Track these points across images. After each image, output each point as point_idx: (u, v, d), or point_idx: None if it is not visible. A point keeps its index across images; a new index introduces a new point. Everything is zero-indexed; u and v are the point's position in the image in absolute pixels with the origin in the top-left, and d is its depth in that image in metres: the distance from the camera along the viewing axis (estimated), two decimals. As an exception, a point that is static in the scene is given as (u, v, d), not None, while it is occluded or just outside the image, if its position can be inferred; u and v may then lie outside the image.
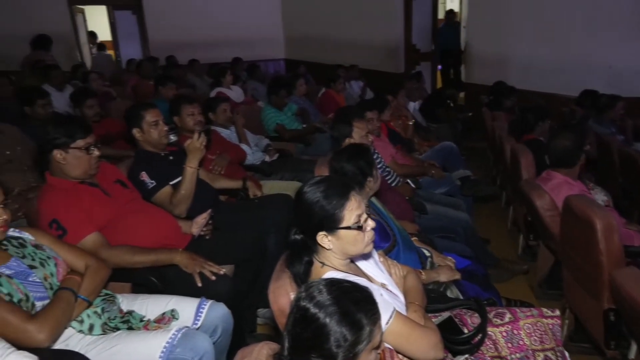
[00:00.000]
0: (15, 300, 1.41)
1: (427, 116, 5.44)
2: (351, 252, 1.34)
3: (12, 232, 1.58)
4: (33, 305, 1.45)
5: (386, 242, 1.83)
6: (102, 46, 9.63)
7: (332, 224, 1.28)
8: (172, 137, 2.49)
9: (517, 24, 5.72)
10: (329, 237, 1.30)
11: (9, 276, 1.44)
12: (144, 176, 2.28)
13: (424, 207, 2.75)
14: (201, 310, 1.69)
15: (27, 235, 1.63)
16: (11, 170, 2.64)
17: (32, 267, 1.52)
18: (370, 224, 1.32)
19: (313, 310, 0.97)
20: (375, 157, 2.56)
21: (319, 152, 3.87)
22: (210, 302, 1.73)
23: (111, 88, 5.52)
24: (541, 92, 5.41)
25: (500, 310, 1.64)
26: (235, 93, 5.21)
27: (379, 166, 2.45)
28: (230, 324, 1.76)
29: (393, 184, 2.87)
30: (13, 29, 6.47)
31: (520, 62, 5.80)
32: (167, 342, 1.50)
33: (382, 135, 3.42)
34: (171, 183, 2.32)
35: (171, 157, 2.45)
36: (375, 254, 1.57)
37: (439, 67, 7.44)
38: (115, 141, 3.44)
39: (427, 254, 2.01)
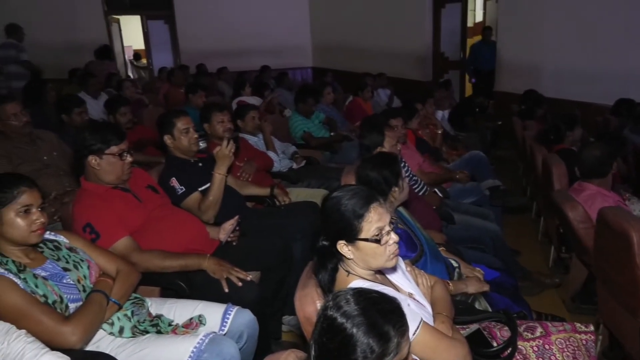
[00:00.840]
0: (50, 301, 1.45)
1: (456, 125, 5.37)
2: (372, 264, 1.32)
3: (48, 235, 1.64)
4: (67, 307, 1.49)
5: (413, 252, 1.81)
6: (137, 56, 9.93)
7: (350, 234, 1.28)
8: (201, 144, 2.54)
9: (551, 31, 5.60)
10: (349, 247, 1.30)
11: (44, 278, 1.49)
12: (174, 182, 2.33)
13: (452, 217, 2.71)
14: (228, 316, 1.71)
15: (62, 238, 1.68)
16: (48, 174, 2.72)
17: (66, 269, 1.57)
18: (394, 237, 1.30)
19: (340, 320, 0.96)
20: (402, 165, 2.54)
21: (345, 160, 3.87)
22: (236, 308, 1.74)
23: (144, 95, 5.67)
24: (575, 101, 5.27)
25: (531, 324, 1.60)
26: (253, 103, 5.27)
27: (405, 175, 2.43)
28: (256, 331, 1.77)
29: (420, 193, 2.85)
30: (52, 39, 6.74)
31: (553, 70, 5.67)
32: (195, 347, 1.52)
33: (410, 143, 3.40)
34: (200, 189, 2.36)
35: (200, 164, 2.49)
36: (402, 263, 1.56)
37: (473, 80, 7.20)
38: (146, 147, 3.52)
39: (455, 264, 1.98)
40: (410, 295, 1.44)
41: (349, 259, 1.31)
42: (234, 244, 2.23)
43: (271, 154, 3.45)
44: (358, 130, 4.66)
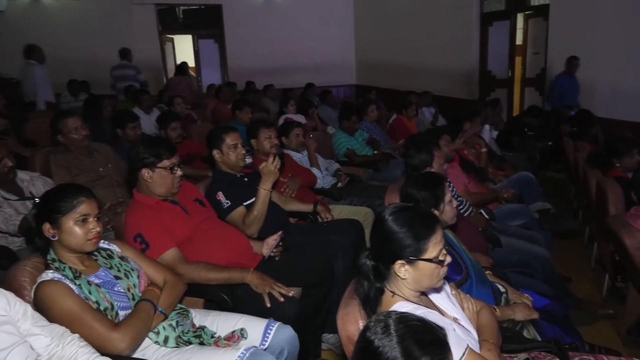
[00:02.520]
0: (101, 308, 1.51)
1: (503, 144, 5.23)
2: (425, 285, 1.31)
3: (101, 244, 1.71)
4: (117, 314, 1.55)
5: (458, 275, 1.77)
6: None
7: (413, 254, 1.27)
8: (247, 160, 2.59)
9: (604, 48, 5.40)
10: (406, 267, 1.28)
11: (97, 285, 1.56)
12: (220, 196, 2.39)
13: (498, 240, 2.63)
14: (269, 331, 1.71)
15: (114, 247, 1.75)
16: (103, 185, 2.86)
17: (117, 277, 1.63)
18: (448, 259, 1.30)
19: (377, 344, 0.96)
20: (447, 185, 2.50)
21: (388, 178, 3.84)
22: (278, 323, 1.75)
23: (193, 111, 5.87)
24: (630, 122, 5.03)
25: (584, 357, 1.52)
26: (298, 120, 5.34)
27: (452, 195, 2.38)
28: (296, 347, 1.76)
29: (466, 214, 2.78)
30: (110, 57, 7.12)
31: (606, 89, 5.45)
32: (236, 361, 1.53)
33: (455, 163, 3.34)
34: (245, 204, 2.41)
35: (246, 179, 2.54)
36: (448, 286, 1.52)
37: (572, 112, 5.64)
38: (194, 161, 3.63)
39: (502, 289, 1.92)
40: (455, 320, 1.40)
41: (402, 279, 1.30)
42: (277, 259, 2.24)
43: (315, 170, 3.47)
44: (402, 149, 4.65)
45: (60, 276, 1.50)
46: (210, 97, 7.22)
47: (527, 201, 3.43)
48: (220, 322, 1.77)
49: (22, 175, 2.55)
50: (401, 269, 1.29)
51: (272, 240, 2.21)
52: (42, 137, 4.11)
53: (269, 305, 1.89)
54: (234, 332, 1.70)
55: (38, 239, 1.58)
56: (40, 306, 1.45)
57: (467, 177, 3.25)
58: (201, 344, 1.66)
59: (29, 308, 1.38)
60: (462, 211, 2.76)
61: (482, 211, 2.93)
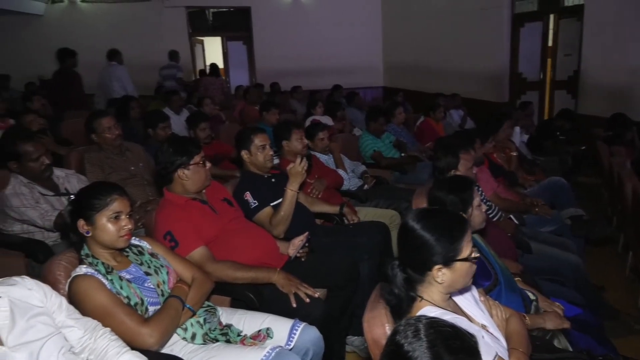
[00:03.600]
0: (132, 303, 1.55)
1: (534, 148, 5.12)
2: (459, 285, 1.32)
3: (133, 241, 1.74)
4: (147, 309, 1.58)
5: (487, 281, 1.74)
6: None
7: (451, 256, 1.27)
8: (275, 160, 2.61)
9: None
10: (443, 270, 1.27)
11: (128, 280, 1.60)
12: (248, 196, 2.41)
13: (529, 246, 2.57)
14: (294, 331, 1.72)
15: (145, 244, 1.79)
16: (134, 184, 2.92)
17: (147, 273, 1.67)
18: (477, 254, 1.31)
19: (407, 348, 0.95)
20: (476, 189, 2.46)
21: (415, 181, 3.82)
22: (303, 324, 1.75)
23: (221, 112, 5.95)
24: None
25: (618, 369, 1.47)
26: (325, 122, 5.34)
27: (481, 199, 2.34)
28: (322, 349, 1.76)
29: (494, 219, 2.73)
30: (141, 59, 7.30)
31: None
32: (262, 360, 1.55)
33: (484, 167, 3.28)
34: (272, 204, 2.43)
35: (273, 180, 2.56)
36: (475, 292, 1.50)
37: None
38: (222, 161, 3.67)
39: (532, 297, 1.87)
40: (483, 327, 1.38)
41: (439, 283, 1.29)
42: (303, 259, 2.25)
43: (341, 172, 3.47)
44: (429, 151, 4.60)
45: (93, 271, 1.54)
46: (238, 98, 7.31)
47: (559, 207, 3.34)
48: (247, 321, 1.79)
49: (58, 172, 2.63)
50: (439, 273, 1.28)
51: (299, 241, 2.22)
52: (77, 136, 4.24)
53: (294, 305, 1.90)
54: (260, 331, 1.72)
55: (73, 234, 1.63)
56: (74, 300, 1.49)
57: (496, 181, 3.19)
58: (228, 341, 1.68)
59: (63, 301, 1.43)
60: (491, 216, 2.71)
61: (511, 216, 2.87)
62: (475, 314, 1.41)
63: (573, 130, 5.38)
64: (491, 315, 1.46)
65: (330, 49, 9.39)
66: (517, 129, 4.89)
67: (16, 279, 1.35)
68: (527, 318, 1.67)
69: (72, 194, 1.72)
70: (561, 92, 6.89)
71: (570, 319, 1.82)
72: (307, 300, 1.90)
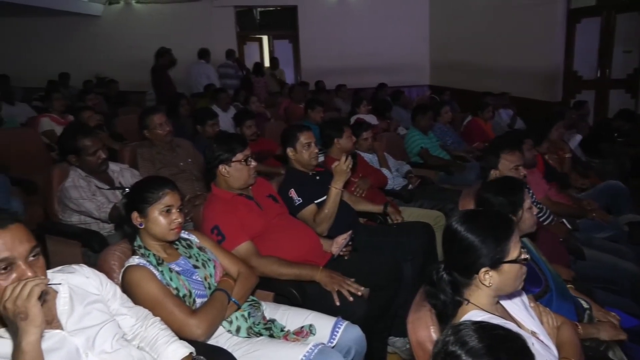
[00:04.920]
0: (180, 294, 1.60)
1: (589, 150, 4.88)
2: (509, 288, 1.28)
3: (182, 234, 1.80)
4: (194, 301, 1.63)
5: (537, 287, 1.68)
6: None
7: (497, 258, 1.24)
8: (319, 158, 2.62)
9: None
10: (491, 273, 1.24)
11: (177, 272, 1.65)
12: (293, 193, 2.43)
13: (582, 252, 2.46)
14: (337, 329, 1.72)
15: (193, 238, 1.84)
16: (183, 179, 3.01)
17: (195, 266, 1.72)
18: (527, 256, 1.27)
19: (464, 357, 0.93)
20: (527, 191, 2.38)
21: (461, 182, 3.73)
22: (346, 322, 1.75)
23: (267, 110, 6.03)
24: None
25: (680, 386, 1.38)
26: (369, 121, 5.30)
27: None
28: (364, 348, 1.76)
29: (545, 223, 2.63)
30: (192, 57, 7.50)
31: None
32: (304, 356, 1.56)
33: (535, 169, 3.16)
34: (316, 202, 2.44)
35: (318, 177, 2.57)
36: (525, 297, 1.45)
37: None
38: (268, 158, 3.73)
39: (586, 305, 1.79)
40: (533, 333, 1.33)
41: (487, 286, 1.25)
42: (346, 258, 2.25)
43: (385, 171, 3.45)
44: (476, 152, 4.48)
45: (145, 262, 1.60)
46: (283, 96, 7.38)
47: (616, 212, 3.18)
48: (290, 317, 1.81)
49: (113, 167, 2.75)
50: (486, 276, 1.24)
51: (342, 239, 2.22)
52: (130, 132, 4.42)
53: (338, 303, 1.89)
54: (302, 327, 1.73)
55: (127, 226, 1.70)
56: (127, 289, 1.56)
57: (548, 184, 3.07)
58: (271, 336, 1.71)
59: (118, 289, 1.49)
60: (541, 219, 2.61)
61: (563, 220, 2.76)
62: (525, 319, 1.37)
63: (632, 131, 5.09)
64: (541, 322, 1.41)
65: (376, 47, 9.31)
66: (578, 136, 4.68)
67: (75, 267, 1.42)
68: (579, 327, 1.60)
69: (126, 188, 1.79)
70: (619, 91, 6.54)
71: (627, 330, 1.74)
72: (351, 299, 1.90)
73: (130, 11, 9.31)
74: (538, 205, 2.69)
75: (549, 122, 3.71)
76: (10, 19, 9.00)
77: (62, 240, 2.51)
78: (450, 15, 9.06)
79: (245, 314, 1.73)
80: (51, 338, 1.23)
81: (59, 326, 1.27)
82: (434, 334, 1.31)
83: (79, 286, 1.36)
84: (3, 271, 1.12)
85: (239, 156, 2.11)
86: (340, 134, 2.95)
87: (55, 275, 1.32)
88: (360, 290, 1.94)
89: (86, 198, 2.50)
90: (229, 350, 1.61)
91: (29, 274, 1.13)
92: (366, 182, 2.98)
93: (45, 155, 4.00)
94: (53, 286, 1.28)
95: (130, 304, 1.51)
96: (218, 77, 7.27)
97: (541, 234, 2.25)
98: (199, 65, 7.25)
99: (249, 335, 1.70)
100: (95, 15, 9.30)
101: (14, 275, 1.13)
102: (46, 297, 1.23)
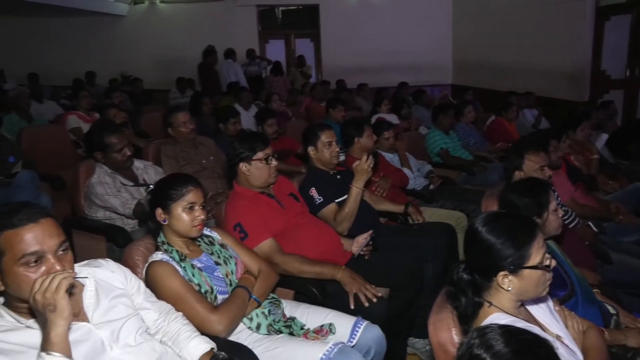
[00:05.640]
0: (202, 290, 1.62)
1: (616, 151, 4.75)
2: (530, 294, 1.24)
3: (204, 231, 1.82)
4: (216, 297, 1.64)
5: (562, 290, 1.64)
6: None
7: (517, 263, 1.21)
8: (340, 157, 2.62)
9: None
10: (510, 277, 1.22)
11: (199, 269, 1.67)
12: (313, 192, 2.44)
13: (608, 256, 2.40)
14: (357, 328, 1.72)
15: (215, 235, 1.86)
16: (205, 176, 3.04)
17: (217, 263, 1.74)
18: (553, 262, 1.23)
19: None
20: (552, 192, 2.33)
21: (484, 182, 3.67)
22: (366, 322, 1.75)
23: (288, 108, 6.05)
24: None
25: None
26: (390, 120, 5.27)
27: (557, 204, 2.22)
28: (384, 348, 1.75)
29: (571, 225, 2.57)
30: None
31: None
32: (324, 355, 1.55)
33: (560, 170, 3.10)
34: (337, 201, 2.44)
35: (339, 176, 2.57)
36: (550, 301, 1.42)
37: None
38: (289, 157, 3.74)
39: (613, 311, 1.75)
40: (558, 337, 1.30)
41: (507, 290, 1.23)
42: (366, 257, 2.25)
43: (406, 171, 3.42)
44: (500, 152, 4.41)
45: (168, 258, 1.63)
46: (304, 95, 7.40)
47: (645, 215, 3.09)
48: (310, 315, 1.81)
49: (137, 164, 2.80)
50: (505, 280, 1.22)
51: (363, 238, 2.21)
52: (155, 130, 4.49)
53: (352, 307, 1.89)
54: (322, 326, 1.73)
55: (151, 222, 1.73)
56: (150, 284, 1.58)
57: (574, 186, 3.01)
58: (291, 334, 1.71)
59: (141, 284, 1.52)
60: (567, 222, 2.55)
61: (589, 223, 2.69)
62: (550, 323, 1.34)
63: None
64: (567, 327, 1.38)
65: (398, 46, 9.25)
66: (604, 135, 4.57)
67: (101, 261, 1.45)
68: (606, 333, 1.56)
69: (150, 185, 1.82)
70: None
71: (656, 337, 1.68)
72: (367, 304, 1.88)
73: (154, 11, 9.46)
74: (563, 208, 2.64)
75: (573, 120, 3.63)
76: (39, 19, 9.24)
77: (88, 235, 2.57)
78: (474, 13, 8.94)
79: (266, 311, 1.74)
80: (78, 330, 1.26)
81: (85, 319, 1.29)
82: (455, 336, 1.29)
83: (104, 280, 1.39)
84: (33, 264, 1.15)
85: (260, 155, 2.12)
86: (361, 133, 2.94)
87: (82, 269, 1.35)
88: (377, 297, 1.92)
89: (111, 194, 2.55)
90: (249, 346, 1.62)
91: (58, 267, 1.16)
92: (387, 182, 2.97)
93: (72, 152, 4.10)
94: (80, 279, 1.31)
95: (154, 298, 1.53)
96: (243, 75, 7.71)
97: (567, 236, 2.20)
98: (227, 64, 7.67)
99: (269, 333, 1.71)
100: (121, 15, 9.48)
101: (43, 268, 1.16)
102: (74, 290, 1.26)
